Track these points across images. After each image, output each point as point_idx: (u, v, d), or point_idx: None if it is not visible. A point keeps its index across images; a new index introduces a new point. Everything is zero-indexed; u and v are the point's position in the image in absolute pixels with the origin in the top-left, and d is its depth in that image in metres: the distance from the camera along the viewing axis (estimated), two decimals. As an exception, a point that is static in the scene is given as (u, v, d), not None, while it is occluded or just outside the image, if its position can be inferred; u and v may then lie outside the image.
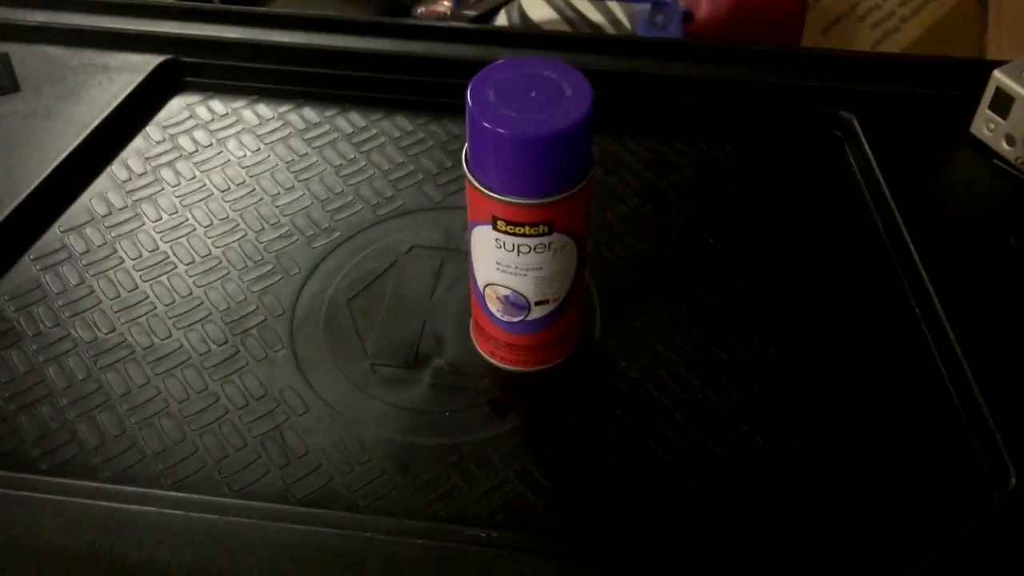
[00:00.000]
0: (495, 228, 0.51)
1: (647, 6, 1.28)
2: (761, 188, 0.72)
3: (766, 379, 0.59)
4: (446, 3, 1.46)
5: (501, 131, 0.47)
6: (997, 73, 0.70)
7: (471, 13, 1.47)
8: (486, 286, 0.55)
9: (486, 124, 0.47)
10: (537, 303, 0.54)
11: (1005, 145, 0.71)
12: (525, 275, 0.53)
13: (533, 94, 0.48)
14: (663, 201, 0.71)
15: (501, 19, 1.39)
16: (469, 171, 0.50)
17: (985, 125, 0.72)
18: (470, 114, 0.48)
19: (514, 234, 0.50)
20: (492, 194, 0.49)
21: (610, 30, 1.27)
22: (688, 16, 1.30)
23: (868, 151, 0.72)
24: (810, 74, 0.78)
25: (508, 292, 0.54)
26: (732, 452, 0.55)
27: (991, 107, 0.71)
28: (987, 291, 0.63)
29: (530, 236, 0.51)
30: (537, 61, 0.50)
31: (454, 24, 1.09)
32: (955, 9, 1.38)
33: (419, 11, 1.48)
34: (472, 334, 0.60)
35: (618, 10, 1.32)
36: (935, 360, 0.60)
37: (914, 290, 0.64)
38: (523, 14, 1.34)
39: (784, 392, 0.58)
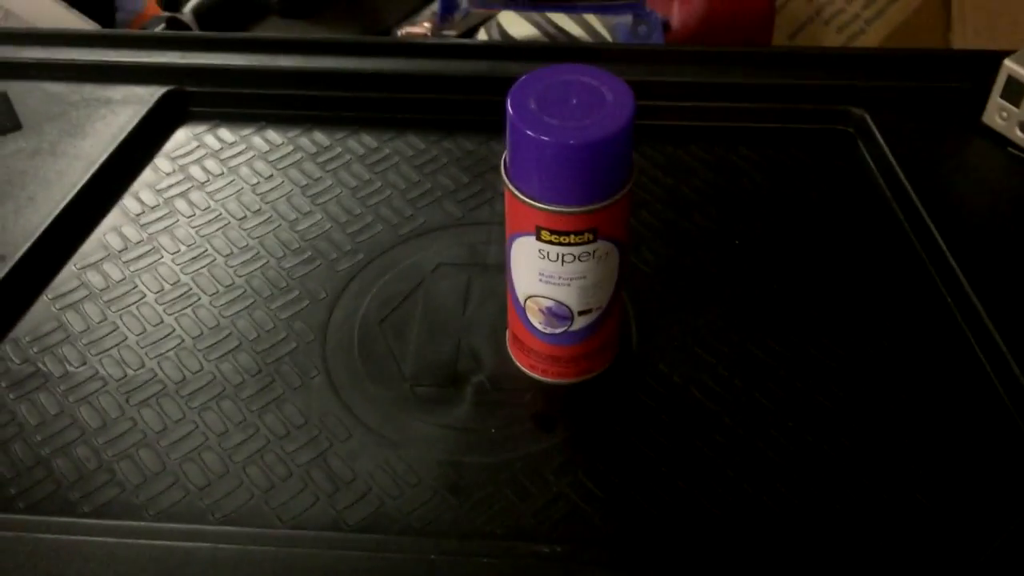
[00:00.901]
0: (539, 238, 0.50)
1: (627, 18, 1.28)
2: (780, 187, 0.72)
3: (808, 377, 0.59)
4: (426, 24, 1.46)
5: (546, 139, 0.46)
6: (1008, 62, 0.70)
7: (451, 33, 1.47)
8: (527, 299, 0.54)
9: (530, 133, 0.46)
10: (580, 313, 0.54)
11: (1019, 132, 0.71)
12: (569, 285, 0.52)
13: (574, 101, 0.48)
14: (685, 205, 0.71)
15: (481, 37, 1.39)
16: (510, 181, 0.50)
17: (998, 114, 0.72)
18: (511, 123, 0.47)
19: (559, 243, 0.50)
20: (536, 203, 0.49)
21: (592, 43, 1.27)
22: (666, 26, 1.31)
23: (883, 145, 0.72)
24: (819, 72, 0.78)
25: (551, 303, 0.53)
26: (782, 451, 0.55)
27: (1003, 95, 0.71)
28: (1016, 278, 0.63)
29: (575, 244, 0.50)
30: (574, 68, 0.50)
31: (458, 41, 1.08)
32: (919, 10, 1.40)
33: (400, 33, 1.48)
34: (510, 348, 0.60)
35: (597, 23, 1.33)
36: (974, 348, 0.60)
37: (944, 280, 0.64)
38: (503, 32, 1.34)
39: (828, 388, 0.58)
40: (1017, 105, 0.70)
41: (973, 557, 0.49)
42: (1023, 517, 0.50)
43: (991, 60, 0.72)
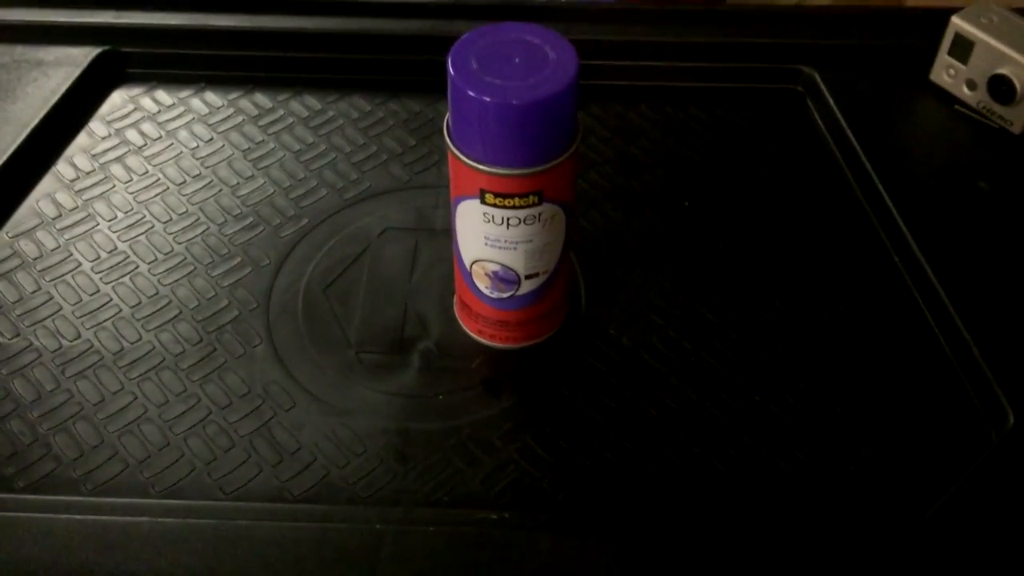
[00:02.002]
0: (483, 202, 0.49)
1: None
2: (729, 148, 0.72)
3: (756, 338, 0.59)
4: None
5: (488, 99, 0.45)
6: (955, 19, 0.70)
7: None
8: (473, 263, 0.53)
9: (471, 93, 0.45)
10: (527, 277, 0.53)
11: (966, 90, 0.71)
12: (515, 248, 0.51)
13: (517, 60, 0.47)
14: (634, 167, 0.70)
15: None
16: (452, 143, 0.49)
17: (945, 71, 0.72)
18: (453, 84, 0.46)
19: (504, 206, 0.49)
20: (479, 166, 0.48)
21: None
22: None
23: (832, 104, 0.72)
24: (769, 31, 0.78)
25: (497, 267, 0.52)
26: (731, 412, 0.55)
27: (950, 53, 0.71)
28: (962, 235, 0.63)
29: (520, 207, 0.49)
30: (516, 27, 0.48)
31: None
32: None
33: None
34: (457, 314, 0.59)
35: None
36: (920, 306, 0.60)
37: (891, 239, 0.64)
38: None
39: (776, 349, 0.58)
40: (964, 62, 0.70)
41: (917, 514, 0.49)
42: (966, 475, 0.51)
43: (940, 17, 0.72)
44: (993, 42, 0.68)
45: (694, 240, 0.65)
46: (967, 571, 0.47)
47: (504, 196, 0.48)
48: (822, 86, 0.74)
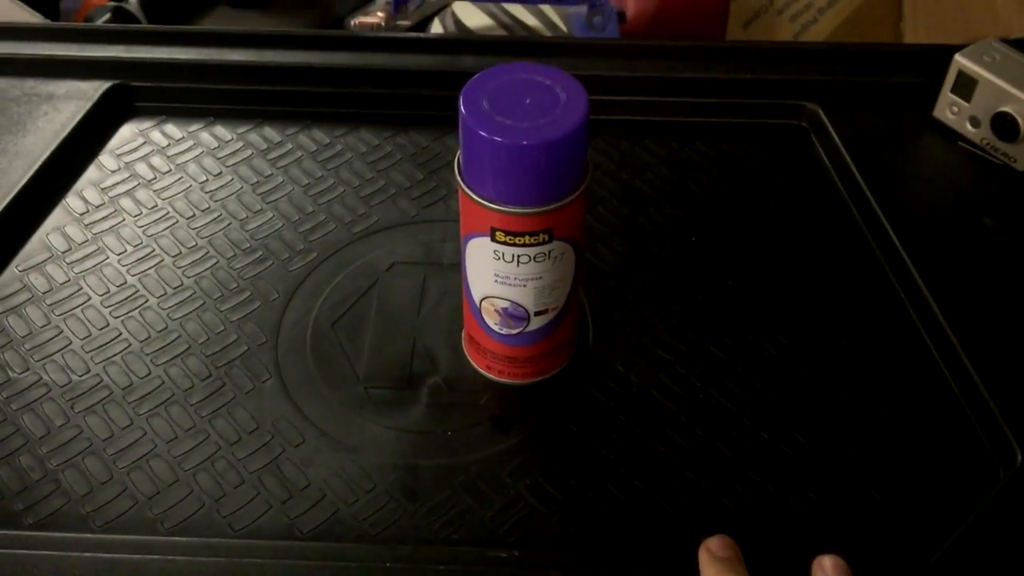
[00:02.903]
0: (494, 239, 0.49)
1: (583, 8, 1.28)
2: (735, 182, 0.72)
3: (764, 374, 0.59)
4: (380, 14, 1.44)
5: (499, 140, 0.45)
6: (959, 57, 0.71)
7: (406, 23, 1.45)
8: (483, 299, 0.53)
9: (483, 133, 0.46)
10: (537, 313, 0.53)
11: (969, 127, 0.72)
12: (525, 286, 0.51)
13: (528, 100, 0.47)
14: (641, 201, 0.70)
15: (436, 28, 1.37)
16: (463, 182, 0.49)
17: (948, 109, 0.73)
18: (464, 123, 0.47)
19: (514, 244, 0.49)
20: (491, 205, 0.48)
21: (546, 34, 1.27)
22: (621, 16, 1.30)
23: (836, 140, 0.73)
24: (773, 67, 0.78)
25: (507, 304, 0.53)
26: (739, 450, 0.55)
27: (953, 91, 0.72)
28: (968, 272, 0.64)
29: (530, 245, 0.49)
30: (527, 67, 0.49)
31: (413, 35, 1.07)
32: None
33: (353, 23, 1.46)
34: (466, 349, 0.59)
35: (553, 13, 1.32)
36: (926, 343, 0.60)
37: (897, 275, 0.64)
38: (458, 21, 1.33)
39: (783, 385, 0.58)
40: (968, 100, 0.71)
41: (925, 555, 0.49)
42: (975, 514, 0.51)
43: (943, 55, 0.73)
44: (996, 80, 0.69)
45: (701, 275, 0.65)
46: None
47: (515, 234, 0.49)
48: (826, 122, 0.74)
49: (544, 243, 0.49)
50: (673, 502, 0.52)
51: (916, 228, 0.66)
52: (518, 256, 0.50)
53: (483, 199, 0.48)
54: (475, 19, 1.33)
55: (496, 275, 0.51)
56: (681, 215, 0.69)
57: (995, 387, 0.56)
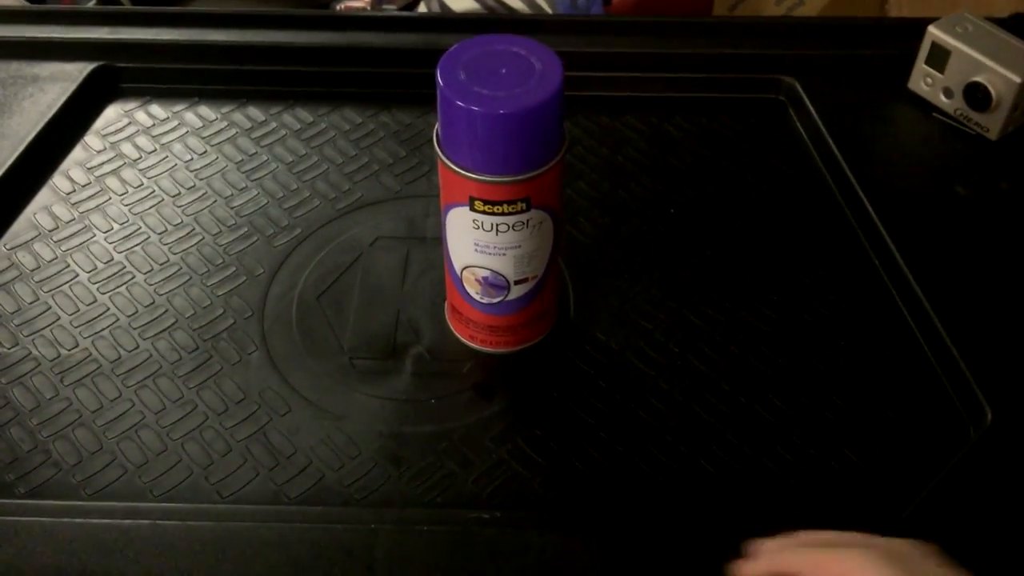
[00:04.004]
0: (472, 208, 0.50)
1: (567, -11, 1.28)
2: (714, 156, 0.73)
3: (742, 340, 0.60)
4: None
5: (476, 109, 0.46)
6: (932, 28, 0.72)
7: (391, 7, 1.46)
8: (464, 269, 0.54)
9: (460, 103, 0.47)
10: (517, 282, 0.54)
11: (943, 98, 0.73)
12: (504, 254, 0.53)
13: (503, 70, 0.48)
14: (620, 175, 0.71)
15: (421, 9, 1.38)
16: (442, 152, 0.50)
17: (923, 80, 0.74)
18: (442, 94, 0.47)
19: (492, 213, 0.50)
20: (468, 174, 0.49)
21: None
22: (606, -1, 1.31)
23: (813, 113, 0.74)
24: (751, 42, 0.79)
25: (487, 273, 0.54)
26: (717, 413, 0.56)
27: (927, 62, 0.73)
28: (942, 240, 0.65)
29: (508, 214, 0.50)
30: (502, 39, 0.50)
31: (395, 13, 1.08)
32: (855, -23, 1.43)
33: (339, 7, 1.46)
34: (449, 320, 0.60)
35: (538, -4, 1.33)
36: (900, 308, 0.62)
37: (872, 244, 0.65)
38: (442, 3, 1.33)
39: (761, 351, 0.59)
40: (941, 71, 0.72)
41: (897, 510, 0.50)
42: (946, 471, 0.52)
43: (917, 28, 0.74)
44: (969, 51, 0.70)
45: (680, 246, 0.66)
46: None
47: (493, 203, 0.50)
48: (803, 95, 0.75)
49: (522, 212, 0.50)
50: (652, 464, 0.53)
51: (891, 198, 0.67)
52: (497, 225, 0.51)
53: (461, 168, 0.49)
54: (461, 3, 1.34)
55: (476, 244, 0.52)
56: (661, 188, 0.70)
57: (966, 349, 0.57)
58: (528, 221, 0.51)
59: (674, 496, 0.52)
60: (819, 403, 0.56)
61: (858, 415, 0.56)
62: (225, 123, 0.74)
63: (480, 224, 0.51)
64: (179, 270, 0.63)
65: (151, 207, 0.68)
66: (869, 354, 0.59)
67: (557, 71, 0.48)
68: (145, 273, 0.63)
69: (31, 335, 0.59)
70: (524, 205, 0.50)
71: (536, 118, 0.47)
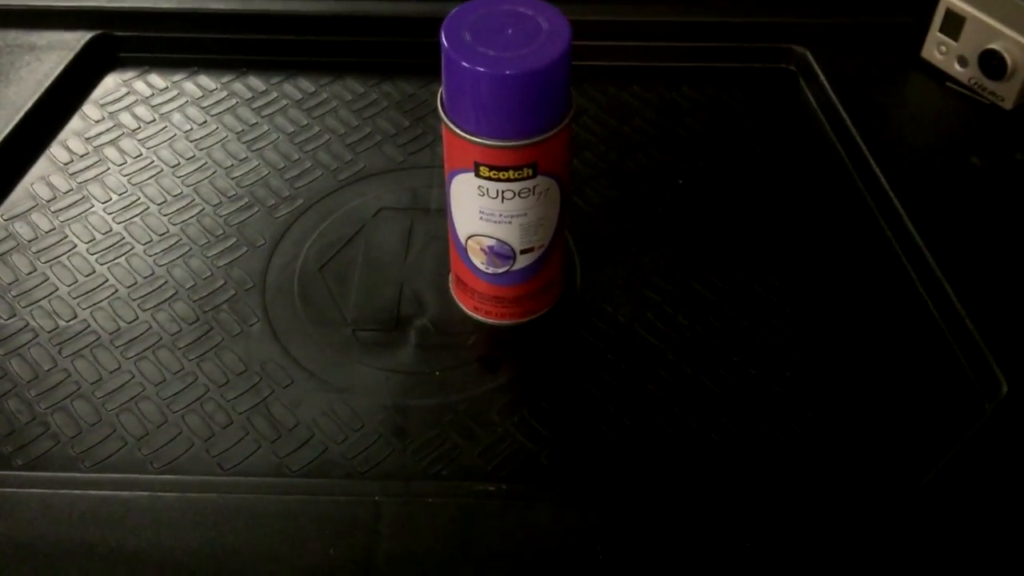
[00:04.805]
0: (477, 175, 0.49)
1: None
2: (723, 126, 0.72)
3: (752, 312, 0.59)
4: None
5: (481, 70, 0.45)
6: (946, -5, 0.70)
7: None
8: (469, 238, 0.53)
9: (464, 64, 0.45)
10: (523, 251, 0.53)
11: (957, 67, 0.71)
12: (510, 222, 0.51)
13: (509, 31, 0.47)
14: (628, 146, 0.70)
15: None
16: (446, 116, 0.49)
17: (936, 48, 0.72)
18: (446, 55, 0.46)
19: (498, 179, 0.49)
20: (473, 138, 0.48)
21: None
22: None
23: (824, 83, 0.72)
24: (761, 11, 0.78)
25: (493, 242, 0.53)
26: (727, 386, 0.55)
27: (942, 30, 0.71)
28: (955, 210, 0.64)
29: (514, 180, 0.49)
30: (509, -1, 0.49)
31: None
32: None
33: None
34: (453, 291, 0.59)
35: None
36: (912, 280, 0.61)
37: (885, 214, 0.64)
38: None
39: (771, 324, 0.58)
40: (955, 39, 0.71)
41: (912, 483, 0.49)
42: (961, 443, 0.51)
43: (930, -5, 0.73)
44: (984, 17, 0.68)
45: (688, 217, 0.65)
46: (961, 538, 0.47)
47: (499, 169, 0.49)
48: (814, 65, 0.74)
49: (528, 178, 0.49)
50: (660, 437, 0.52)
51: (904, 169, 0.66)
52: (502, 192, 0.50)
53: (466, 133, 0.48)
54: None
55: (481, 212, 0.51)
56: (669, 159, 0.69)
57: (981, 321, 0.56)
58: (534, 188, 0.50)
59: (682, 469, 0.51)
60: (831, 376, 0.55)
61: (871, 388, 0.55)
62: (225, 93, 0.73)
63: (486, 191, 0.50)
64: (179, 241, 0.62)
65: (150, 178, 0.67)
66: (882, 327, 0.58)
67: (565, 32, 0.47)
68: (144, 244, 0.62)
69: (29, 306, 0.58)
70: (530, 171, 0.49)
71: (543, 80, 0.46)
